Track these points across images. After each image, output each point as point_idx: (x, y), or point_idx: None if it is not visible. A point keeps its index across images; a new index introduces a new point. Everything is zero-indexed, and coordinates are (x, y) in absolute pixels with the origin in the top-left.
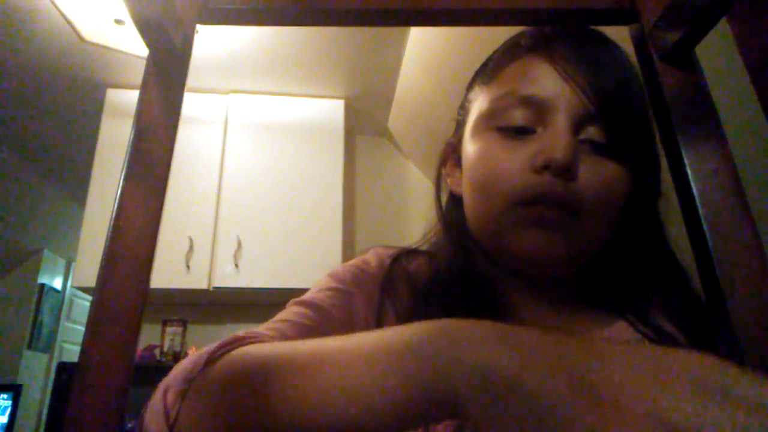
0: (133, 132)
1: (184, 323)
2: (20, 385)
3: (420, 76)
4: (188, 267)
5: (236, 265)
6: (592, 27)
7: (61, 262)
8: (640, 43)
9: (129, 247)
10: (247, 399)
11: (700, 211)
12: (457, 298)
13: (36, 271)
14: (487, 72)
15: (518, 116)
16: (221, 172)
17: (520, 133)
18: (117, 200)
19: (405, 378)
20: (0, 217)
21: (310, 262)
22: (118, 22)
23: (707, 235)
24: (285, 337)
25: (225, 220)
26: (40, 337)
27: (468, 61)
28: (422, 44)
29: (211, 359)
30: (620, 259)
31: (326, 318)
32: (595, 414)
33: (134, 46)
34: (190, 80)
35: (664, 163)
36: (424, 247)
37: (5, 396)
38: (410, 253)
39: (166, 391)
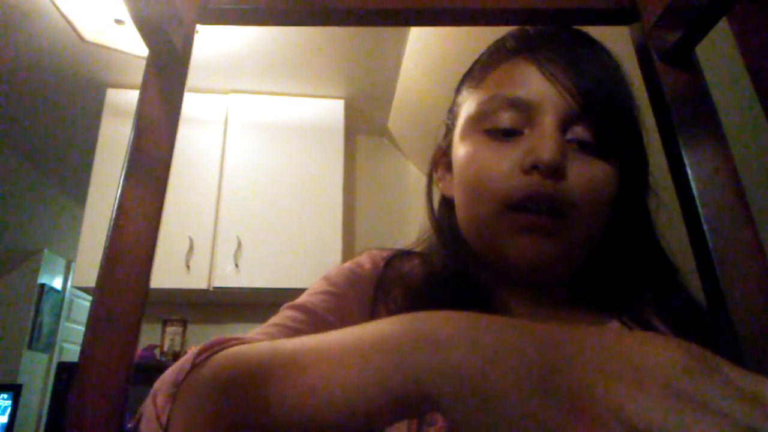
0: (133, 132)
1: (184, 323)
2: (20, 385)
3: (420, 76)
4: (188, 267)
5: (236, 265)
6: (579, 27)
7: (61, 262)
8: (640, 43)
9: (129, 247)
10: (232, 400)
11: (700, 211)
12: (450, 300)
13: (36, 271)
14: (474, 75)
15: (505, 118)
16: (221, 172)
17: (508, 135)
18: (117, 200)
19: (377, 377)
20: (0, 217)
21: (310, 262)
22: (118, 22)
23: (707, 235)
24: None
25: (225, 220)
26: (40, 337)
27: (468, 61)
28: (422, 44)
29: (196, 363)
30: (612, 258)
31: (319, 321)
32: (559, 417)
33: (134, 46)
34: (190, 80)
35: (664, 162)
36: (420, 248)
37: (5, 396)
38: (405, 254)
39: (155, 396)
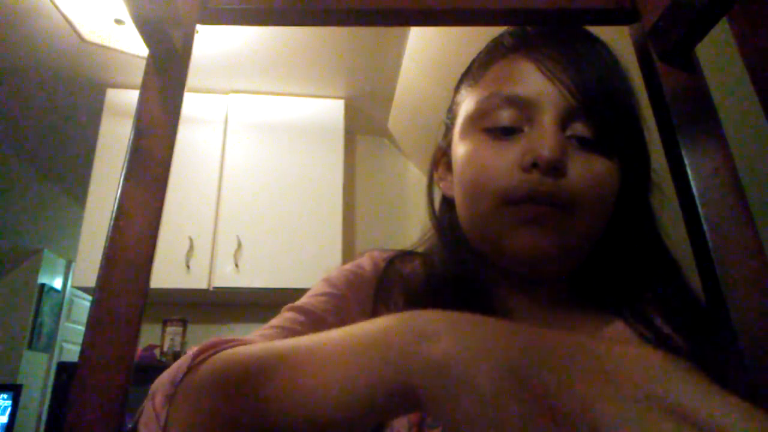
0: (133, 132)
1: (184, 323)
2: (20, 385)
3: (420, 76)
4: (188, 267)
5: (236, 265)
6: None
7: (61, 262)
8: (640, 43)
9: (129, 247)
10: (229, 400)
11: (700, 211)
12: (451, 301)
13: (36, 271)
14: (472, 74)
15: (505, 116)
16: (221, 172)
17: (507, 133)
18: (117, 200)
19: (367, 372)
20: (0, 217)
21: (310, 262)
22: (118, 22)
23: (707, 235)
24: None
25: (225, 220)
26: (40, 337)
27: (468, 61)
28: (422, 44)
29: (195, 364)
30: (614, 256)
31: (319, 323)
32: (532, 414)
33: (134, 46)
34: (190, 80)
35: (663, 162)
36: (421, 249)
37: (5, 396)
38: (406, 255)
39: (153, 397)
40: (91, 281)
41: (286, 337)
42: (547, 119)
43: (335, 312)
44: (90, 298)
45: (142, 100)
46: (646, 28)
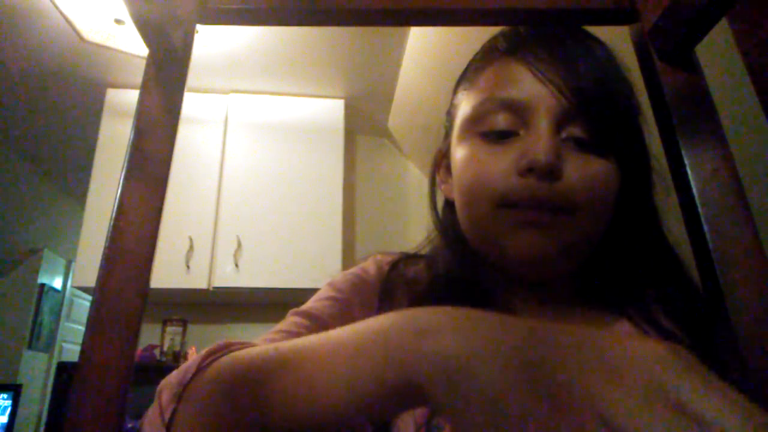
0: (133, 132)
1: (184, 323)
2: (20, 385)
3: (420, 76)
4: (188, 267)
5: (236, 265)
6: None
7: (61, 262)
8: (640, 43)
9: (129, 247)
10: (235, 401)
11: (700, 211)
12: (455, 303)
13: (36, 271)
14: (468, 77)
15: (500, 120)
16: (221, 172)
17: (503, 137)
18: (117, 200)
19: (369, 369)
20: (0, 217)
21: (310, 262)
22: (118, 22)
23: (707, 235)
24: None
25: (225, 220)
26: (40, 337)
27: (467, 61)
28: (422, 44)
29: (203, 366)
30: (617, 255)
31: (323, 327)
32: (539, 408)
33: (134, 46)
34: (190, 80)
35: (663, 161)
36: (425, 252)
37: (5, 396)
38: (409, 258)
39: (160, 394)
40: (91, 281)
41: None
42: (542, 123)
43: (340, 316)
44: (90, 298)
45: (142, 100)
46: (645, 28)
